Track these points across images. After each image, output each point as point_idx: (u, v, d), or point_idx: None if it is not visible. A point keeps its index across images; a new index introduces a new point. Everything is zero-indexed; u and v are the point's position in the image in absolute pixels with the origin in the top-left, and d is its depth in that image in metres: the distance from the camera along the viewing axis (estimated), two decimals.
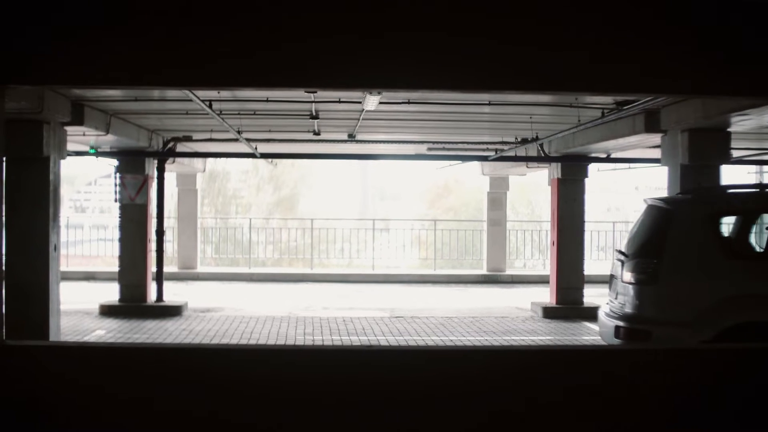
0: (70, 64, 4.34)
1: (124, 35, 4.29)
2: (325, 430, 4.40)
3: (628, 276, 7.34)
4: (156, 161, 14.66)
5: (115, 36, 4.28)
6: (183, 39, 4.29)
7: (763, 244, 7.70)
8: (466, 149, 16.45)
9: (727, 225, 8.98)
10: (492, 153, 15.89)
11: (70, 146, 11.70)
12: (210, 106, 10.16)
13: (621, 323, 7.29)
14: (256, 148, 14.70)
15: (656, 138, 11.14)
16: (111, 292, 14.68)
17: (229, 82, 5.04)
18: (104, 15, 4.28)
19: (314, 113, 11.54)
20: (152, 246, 14.64)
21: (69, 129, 10.87)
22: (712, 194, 7.75)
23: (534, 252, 24.36)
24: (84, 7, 4.27)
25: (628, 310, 7.32)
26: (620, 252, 7.84)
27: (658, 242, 7.34)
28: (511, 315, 14.47)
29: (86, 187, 55.59)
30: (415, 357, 4.77)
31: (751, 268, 7.40)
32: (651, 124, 10.81)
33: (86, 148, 13.67)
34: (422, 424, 4.36)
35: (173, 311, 14.01)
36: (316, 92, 9.35)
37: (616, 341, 7.32)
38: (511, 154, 15.58)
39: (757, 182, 7.96)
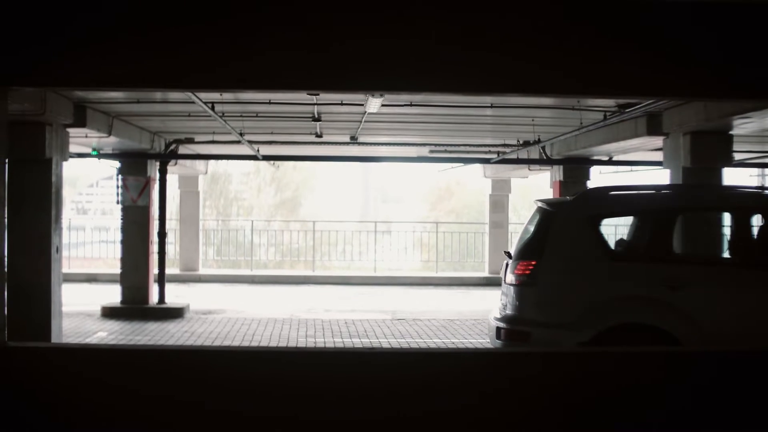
0: (73, 66, 4.35)
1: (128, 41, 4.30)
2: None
3: (510, 277, 7.30)
4: (158, 163, 14.67)
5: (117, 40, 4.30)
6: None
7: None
8: (468, 152, 16.45)
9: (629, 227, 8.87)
10: (494, 155, 15.89)
11: (73, 148, 11.71)
12: (212, 108, 10.16)
13: (502, 324, 7.25)
14: (258, 150, 14.71)
15: (658, 141, 11.13)
16: (113, 294, 14.69)
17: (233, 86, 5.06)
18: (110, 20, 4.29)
19: (316, 115, 11.54)
20: (154, 248, 14.64)
21: (71, 131, 10.87)
22: (594, 196, 7.68)
23: None
24: (87, 12, 4.28)
25: (509, 311, 7.29)
26: (506, 253, 7.82)
27: (539, 244, 7.31)
28: None
29: (88, 188, 55.71)
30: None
31: (630, 269, 7.36)
32: (653, 127, 10.80)
33: (88, 150, 13.68)
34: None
35: (175, 313, 14.01)
36: (318, 94, 9.36)
37: (498, 343, 7.27)
38: (513, 156, 15.57)
39: (649, 184, 7.89)
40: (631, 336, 6.89)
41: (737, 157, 13.84)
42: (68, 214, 33.09)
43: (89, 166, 38.38)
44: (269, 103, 10.51)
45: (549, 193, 16.02)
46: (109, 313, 13.91)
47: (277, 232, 26.88)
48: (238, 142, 13.38)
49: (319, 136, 13.77)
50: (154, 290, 14.55)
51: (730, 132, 10.24)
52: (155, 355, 4.80)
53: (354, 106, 10.65)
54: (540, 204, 7.77)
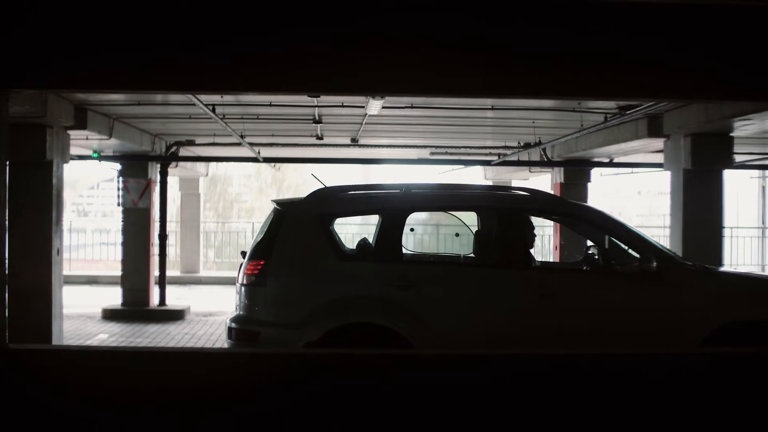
0: (75, 68, 4.35)
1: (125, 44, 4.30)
2: None
3: (241, 277, 7.25)
4: (159, 165, 14.68)
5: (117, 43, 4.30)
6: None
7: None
8: (468, 154, 16.46)
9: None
10: (495, 157, 15.90)
11: (73, 150, 11.72)
12: (213, 111, 10.17)
13: (233, 324, 7.17)
14: (259, 153, 14.71)
15: (659, 143, 11.14)
16: (114, 296, 14.70)
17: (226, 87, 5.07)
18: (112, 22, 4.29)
19: (317, 118, 11.55)
20: (155, 250, 14.65)
21: (72, 133, 10.88)
22: (324, 196, 7.65)
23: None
24: (88, 14, 4.28)
25: (240, 311, 7.22)
26: (242, 254, 7.75)
27: (269, 244, 7.24)
28: None
29: (89, 191, 55.69)
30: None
31: (359, 269, 7.35)
32: (654, 129, 10.81)
33: (89, 152, 13.68)
34: None
35: (176, 315, 14.01)
36: (319, 96, 9.36)
37: (230, 343, 7.21)
38: (514, 158, 15.58)
39: (387, 184, 7.80)
40: (360, 336, 6.86)
41: (738, 158, 13.87)
42: (69, 217, 33.07)
43: (90, 169, 38.50)
44: (270, 105, 10.52)
45: None
46: (109, 315, 13.91)
47: None
48: (239, 144, 13.39)
49: (320, 138, 13.77)
50: (154, 292, 14.55)
51: (731, 134, 10.25)
52: (157, 358, 4.80)
53: (355, 108, 10.65)
54: (274, 204, 7.70)
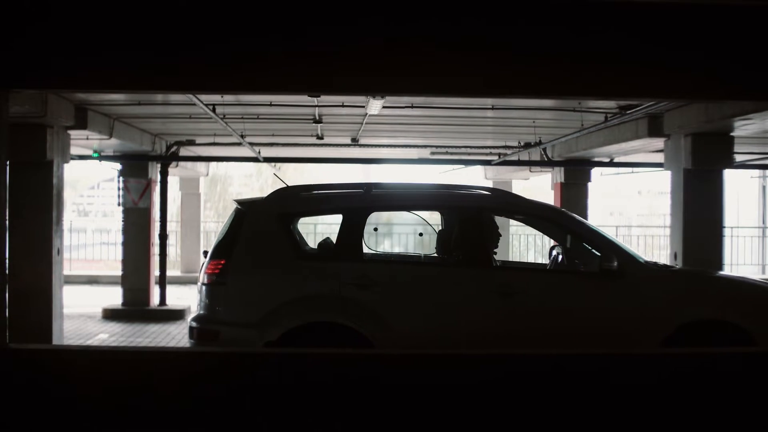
0: (74, 68, 4.35)
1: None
2: None
3: (202, 277, 7.24)
4: (159, 165, 14.67)
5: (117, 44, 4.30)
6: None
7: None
8: (469, 153, 16.46)
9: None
10: (495, 157, 15.90)
11: (74, 150, 11.71)
12: (213, 111, 10.17)
13: (194, 324, 7.18)
14: (259, 152, 14.71)
15: (659, 142, 11.13)
16: (114, 296, 14.69)
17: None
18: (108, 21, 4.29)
19: (317, 117, 11.54)
20: (155, 250, 14.64)
21: (72, 133, 10.88)
22: (285, 195, 7.60)
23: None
24: (88, 14, 4.28)
25: (201, 311, 7.21)
26: (204, 253, 7.73)
27: (230, 243, 7.22)
28: None
29: (89, 190, 55.65)
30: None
31: (319, 268, 7.33)
32: (654, 129, 10.80)
33: (90, 152, 13.68)
34: None
35: (176, 315, 14.00)
36: (319, 96, 9.36)
37: (191, 342, 7.21)
38: (515, 158, 15.57)
39: (350, 182, 7.74)
40: (321, 335, 6.84)
41: (738, 158, 13.86)
42: (69, 216, 33.05)
43: (90, 168, 38.42)
44: (270, 105, 10.51)
45: (550, 196, 16.02)
46: (110, 315, 13.90)
47: None
48: (239, 144, 13.39)
49: (320, 138, 13.77)
50: (155, 292, 14.54)
51: (731, 133, 10.25)
52: (157, 357, 4.80)
53: (355, 108, 10.65)
54: (236, 203, 7.70)
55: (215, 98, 9.79)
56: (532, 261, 24.40)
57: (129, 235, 14.41)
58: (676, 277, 7.69)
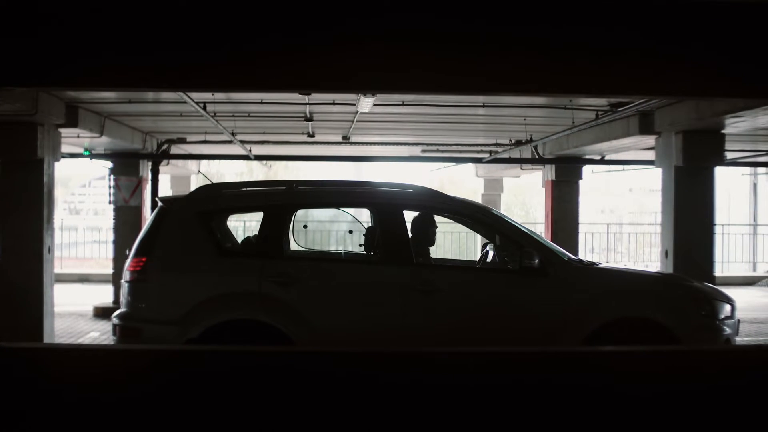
0: (66, 65, 4.34)
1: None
2: None
3: (124, 274, 7.23)
4: (150, 163, 14.63)
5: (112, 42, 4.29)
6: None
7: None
8: (460, 151, 16.48)
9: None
10: (486, 155, 15.92)
11: (65, 148, 11.68)
12: (204, 108, 10.15)
13: (116, 321, 7.15)
14: (250, 150, 14.70)
15: (650, 140, 11.16)
16: (105, 294, 14.65)
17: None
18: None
19: (308, 115, 11.54)
20: None
21: (63, 131, 10.85)
22: (206, 193, 7.60)
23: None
24: (84, 13, 4.27)
25: (124, 308, 7.20)
26: (127, 251, 7.75)
27: (151, 240, 7.22)
28: None
29: (80, 189, 55.50)
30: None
31: (241, 266, 7.33)
32: (645, 126, 10.83)
33: (80, 150, 13.64)
34: None
35: None
36: (310, 94, 9.36)
37: (114, 339, 7.23)
38: (506, 156, 15.61)
39: (273, 180, 7.70)
40: (244, 333, 6.86)
41: (729, 156, 13.91)
42: (60, 215, 33.00)
43: (81, 167, 38.27)
44: (261, 102, 10.51)
45: (541, 193, 16.07)
46: (101, 313, 13.84)
47: None
48: (230, 141, 13.38)
49: (312, 135, 13.77)
50: None
51: (723, 131, 10.28)
52: (149, 356, 4.80)
53: (346, 106, 10.65)
54: (159, 200, 7.68)
55: (206, 96, 9.78)
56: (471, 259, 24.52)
57: (120, 233, 14.37)
58: (600, 274, 7.64)
